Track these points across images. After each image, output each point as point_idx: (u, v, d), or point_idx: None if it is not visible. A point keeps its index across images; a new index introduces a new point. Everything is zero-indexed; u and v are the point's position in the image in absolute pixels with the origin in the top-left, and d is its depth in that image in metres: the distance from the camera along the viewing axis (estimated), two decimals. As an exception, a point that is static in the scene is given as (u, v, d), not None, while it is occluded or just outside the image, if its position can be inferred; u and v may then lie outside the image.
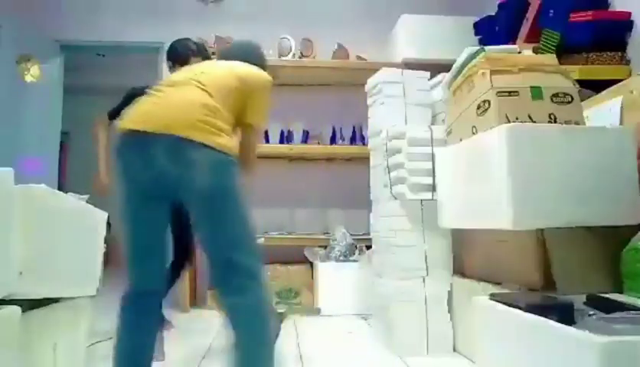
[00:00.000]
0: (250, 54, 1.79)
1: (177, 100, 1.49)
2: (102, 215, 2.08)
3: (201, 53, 2.48)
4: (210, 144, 1.42)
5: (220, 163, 1.44)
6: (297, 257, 3.51)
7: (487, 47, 2.01)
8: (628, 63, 2.47)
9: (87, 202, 1.96)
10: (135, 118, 1.49)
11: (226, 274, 1.41)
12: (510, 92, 1.80)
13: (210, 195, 1.42)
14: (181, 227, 2.10)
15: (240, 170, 1.52)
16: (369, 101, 2.77)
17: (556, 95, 1.82)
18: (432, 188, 2.25)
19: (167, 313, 3.12)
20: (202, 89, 1.51)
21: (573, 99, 1.83)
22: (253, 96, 1.62)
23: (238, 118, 1.60)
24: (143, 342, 1.54)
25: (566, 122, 1.79)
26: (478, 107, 1.90)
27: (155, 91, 1.55)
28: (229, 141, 1.49)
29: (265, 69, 1.73)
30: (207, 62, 1.97)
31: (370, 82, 2.73)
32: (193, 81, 1.53)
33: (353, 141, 3.89)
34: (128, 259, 1.50)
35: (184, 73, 1.66)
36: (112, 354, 1.48)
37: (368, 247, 3.11)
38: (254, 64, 1.70)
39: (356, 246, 3.41)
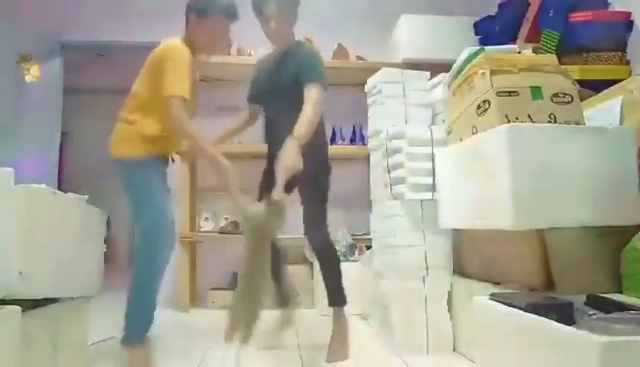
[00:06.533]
0: None
1: None
2: (102, 215, 2.09)
3: None
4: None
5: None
6: (297, 257, 3.51)
7: (487, 47, 2.01)
8: (628, 63, 2.47)
9: (87, 202, 1.96)
10: None
11: None
12: (510, 92, 1.80)
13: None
14: None
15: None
16: (369, 101, 2.77)
17: (556, 95, 1.82)
18: (432, 188, 2.26)
19: (166, 312, 3.13)
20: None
21: (572, 99, 1.83)
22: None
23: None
24: None
25: (566, 122, 1.79)
26: (478, 107, 1.90)
27: None
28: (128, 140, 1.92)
29: None
30: None
31: (370, 82, 2.73)
32: None
33: (353, 141, 3.89)
34: None
35: None
36: None
37: (368, 247, 3.10)
38: None
39: (356, 246, 3.41)
